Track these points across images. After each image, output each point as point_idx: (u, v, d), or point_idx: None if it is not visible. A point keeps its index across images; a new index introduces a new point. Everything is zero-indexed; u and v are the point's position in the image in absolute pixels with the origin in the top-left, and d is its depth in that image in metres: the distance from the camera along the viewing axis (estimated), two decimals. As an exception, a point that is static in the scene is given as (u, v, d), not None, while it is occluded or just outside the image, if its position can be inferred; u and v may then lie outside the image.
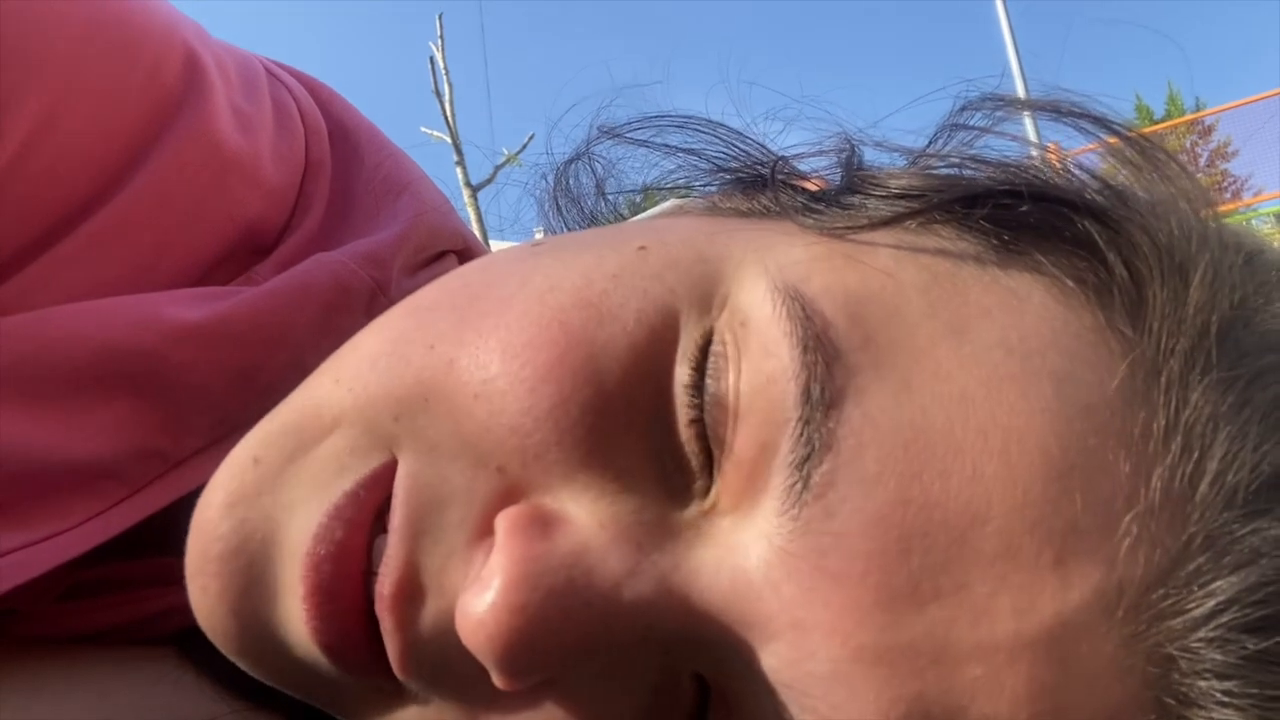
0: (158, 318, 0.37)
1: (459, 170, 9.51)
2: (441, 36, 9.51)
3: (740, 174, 0.41)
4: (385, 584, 0.29)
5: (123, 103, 0.37)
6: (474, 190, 9.00)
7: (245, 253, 0.43)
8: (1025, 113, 0.36)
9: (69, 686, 0.36)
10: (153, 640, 0.39)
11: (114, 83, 0.37)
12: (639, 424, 0.29)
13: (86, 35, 0.36)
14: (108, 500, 0.36)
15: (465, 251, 0.50)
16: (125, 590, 0.40)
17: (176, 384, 0.37)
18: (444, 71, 9.47)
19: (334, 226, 0.46)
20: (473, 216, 8.24)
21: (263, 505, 0.31)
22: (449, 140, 9.57)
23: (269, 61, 0.48)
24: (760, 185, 0.39)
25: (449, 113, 9.52)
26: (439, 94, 9.45)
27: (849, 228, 0.33)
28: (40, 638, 0.38)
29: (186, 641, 0.34)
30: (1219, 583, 0.26)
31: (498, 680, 0.28)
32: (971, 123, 0.36)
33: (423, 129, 9.74)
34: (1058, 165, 0.35)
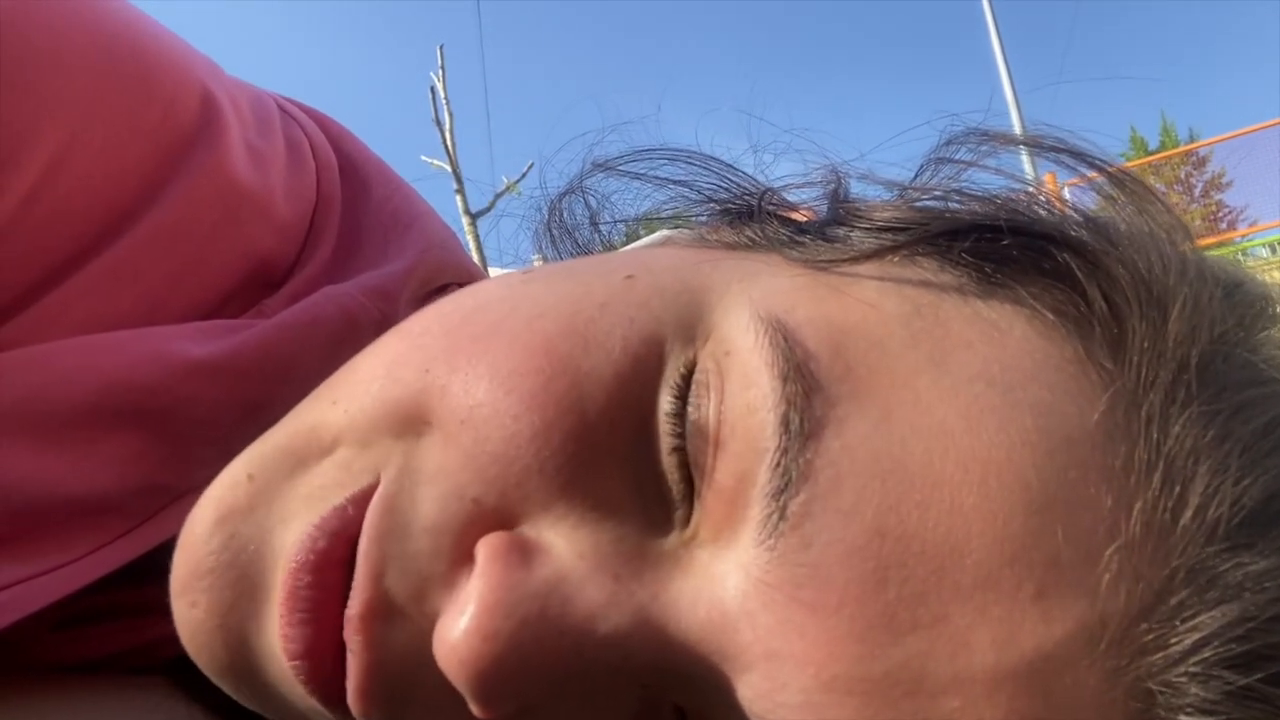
0: (166, 353, 0.37)
1: (459, 198, 9.56)
2: (443, 67, 9.58)
3: (730, 205, 0.41)
4: (354, 604, 0.29)
5: (138, 140, 0.37)
6: (473, 218, 9.04)
7: (256, 287, 0.43)
8: (1007, 147, 0.37)
9: (65, 716, 0.36)
10: (147, 669, 0.39)
11: (129, 121, 0.37)
12: (621, 452, 0.29)
13: (103, 73, 0.36)
14: (110, 534, 0.36)
15: (469, 284, 0.49)
16: (121, 619, 0.39)
17: (183, 419, 0.37)
18: (445, 101, 9.55)
19: (343, 260, 0.46)
20: (472, 244, 8.26)
21: (256, 519, 0.31)
22: (449, 169, 9.62)
23: (281, 98, 0.49)
24: (748, 217, 0.39)
25: (449, 142, 9.58)
26: (439, 123, 9.51)
27: (833, 260, 0.33)
28: (34, 666, 0.38)
29: (180, 670, 0.33)
30: (1201, 617, 0.26)
31: (474, 707, 0.27)
32: (956, 156, 0.37)
33: (423, 158, 9.81)
34: (1041, 199, 0.35)
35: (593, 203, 0.46)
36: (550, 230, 0.46)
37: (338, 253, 0.46)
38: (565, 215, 0.46)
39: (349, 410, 0.32)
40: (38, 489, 0.34)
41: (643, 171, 0.44)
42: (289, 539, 0.30)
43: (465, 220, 8.93)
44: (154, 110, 0.38)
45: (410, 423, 0.30)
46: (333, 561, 0.30)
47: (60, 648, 0.38)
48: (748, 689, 0.27)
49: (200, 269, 0.40)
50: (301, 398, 0.35)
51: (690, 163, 0.43)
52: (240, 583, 0.31)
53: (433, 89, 9.50)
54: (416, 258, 0.46)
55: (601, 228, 0.46)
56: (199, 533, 0.31)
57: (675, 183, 0.43)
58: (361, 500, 0.30)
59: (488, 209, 9.14)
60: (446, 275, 0.48)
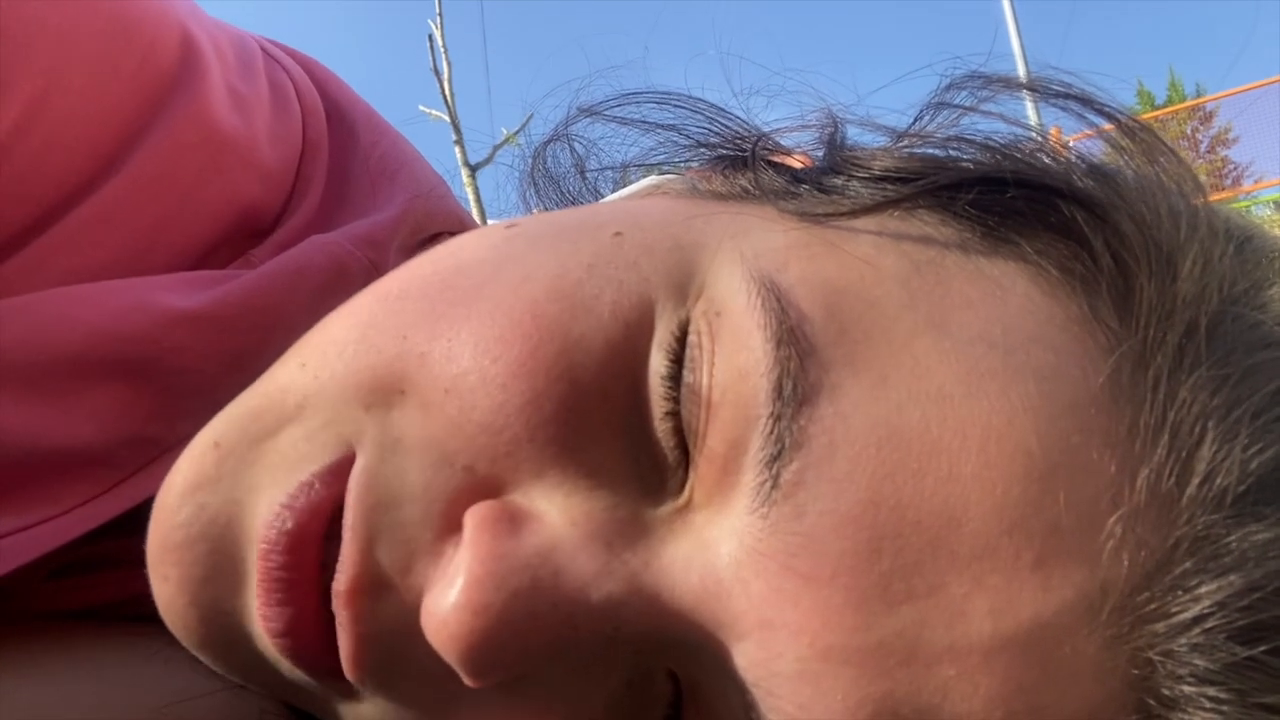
0: (152, 303, 0.36)
1: (457, 150, 9.48)
2: (440, 14, 9.46)
3: (721, 149, 0.40)
4: (341, 579, 0.28)
5: (117, 85, 0.37)
6: (472, 170, 8.98)
7: (243, 236, 0.42)
8: (1011, 92, 0.35)
9: (63, 664, 0.36)
10: (141, 617, 0.38)
11: (108, 65, 0.36)
12: (614, 420, 0.29)
13: (80, 16, 0.36)
14: (99, 486, 0.36)
15: (461, 233, 0.49)
16: (114, 568, 0.39)
17: (170, 370, 0.37)
18: (443, 49, 9.42)
19: (331, 208, 0.45)
20: (471, 197, 8.22)
21: (224, 490, 0.30)
22: (447, 119, 9.53)
23: (265, 41, 0.48)
24: (740, 165, 0.38)
25: (448, 91, 9.48)
26: (437, 72, 9.40)
27: (830, 215, 0.32)
28: (31, 614, 0.38)
29: None
30: (1205, 588, 0.26)
31: (465, 679, 0.27)
32: (957, 101, 0.35)
33: (421, 108, 9.71)
34: (1045, 148, 0.33)
35: (579, 149, 0.45)
36: (534, 180, 0.45)
37: (325, 200, 0.45)
38: (550, 163, 0.45)
39: (318, 375, 0.31)
40: (24, 440, 0.34)
41: (630, 116, 0.42)
42: (258, 514, 0.29)
43: (464, 172, 8.86)
44: (132, 56, 0.37)
45: (383, 392, 0.29)
46: (304, 541, 0.29)
47: (55, 598, 0.38)
48: (742, 657, 0.27)
49: (183, 218, 0.40)
50: (289, 347, 0.34)
51: (680, 106, 0.41)
52: (213, 557, 0.30)
53: (430, 37, 9.37)
54: (405, 205, 0.45)
55: (588, 176, 0.45)
56: (169, 502, 0.31)
57: (664, 127, 0.42)
58: (329, 475, 0.29)
59: (487, 161, 9.07)
60: (437, 224, 0.47)
